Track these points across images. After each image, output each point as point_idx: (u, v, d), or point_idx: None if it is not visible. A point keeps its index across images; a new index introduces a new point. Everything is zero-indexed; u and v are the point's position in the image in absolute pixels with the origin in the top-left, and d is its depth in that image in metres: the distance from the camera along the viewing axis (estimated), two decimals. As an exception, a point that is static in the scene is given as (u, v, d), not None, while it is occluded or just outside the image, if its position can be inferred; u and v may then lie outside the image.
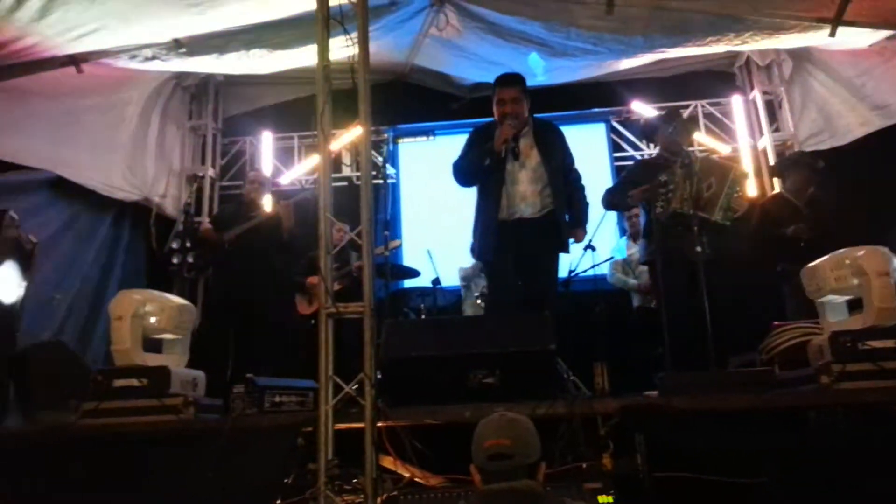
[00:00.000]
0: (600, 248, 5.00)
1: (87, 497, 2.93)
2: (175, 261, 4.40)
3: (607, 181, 6.41)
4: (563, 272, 4.41)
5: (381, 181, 5.81)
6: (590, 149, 6.66)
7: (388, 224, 5.42)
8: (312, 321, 4.94)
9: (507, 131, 3.95)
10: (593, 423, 2.76)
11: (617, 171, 6.63)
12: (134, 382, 3.06)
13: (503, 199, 3.99)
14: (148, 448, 3.00)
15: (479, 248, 4.15)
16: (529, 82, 6.00)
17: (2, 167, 4.54)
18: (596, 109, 6.93)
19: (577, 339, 3.56)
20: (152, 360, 3.25)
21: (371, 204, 3.13)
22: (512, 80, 4.17)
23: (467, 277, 5.60)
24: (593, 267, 5.02)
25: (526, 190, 4.03)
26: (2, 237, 3.56)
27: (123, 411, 3.04)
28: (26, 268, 3.65)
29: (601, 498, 2.48)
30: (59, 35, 4.45)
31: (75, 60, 4.89)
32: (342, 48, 3.22)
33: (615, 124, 6.94)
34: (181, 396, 3.08)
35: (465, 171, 4.14)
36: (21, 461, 2.96)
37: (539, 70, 6.31)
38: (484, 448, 2.11)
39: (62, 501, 2.91)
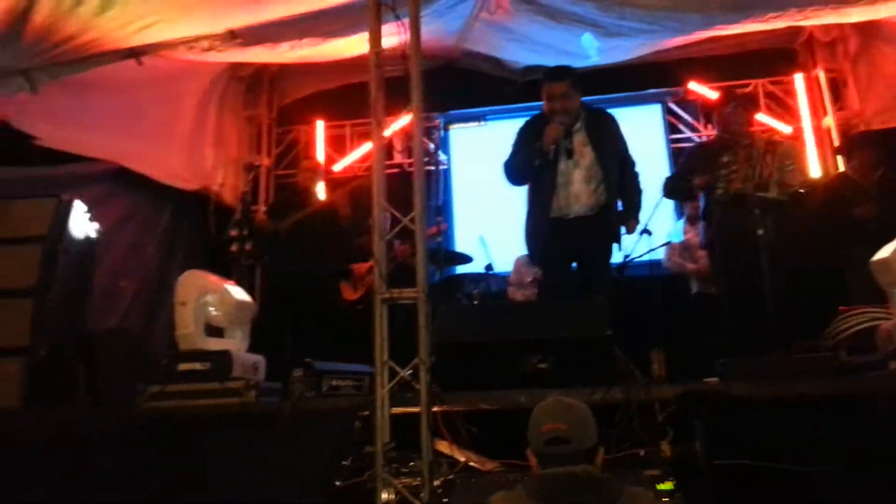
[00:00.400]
0: (657, 231, 4.91)
1: (152, 477, 3.04)
2: (233, 248, 4.51)
3: (663, 164, 6.28)
4: (618, 258, 4.35)
5: (432, 167, 5.83)
6: (645, 131, 6.53)
7: (440, 210, 5.44)
8: (359, 306, 4.99)
9: (554, 131, 3.89)
10: (651, 409, 2.73)
11: (673, 153, 6.48)
12: (197, 366, 3.17)
13: (555, 200, 3.95)
14: (211, 430, 3.09)
15: (532, 249, 4.13)
16: (583, 63, 5.98)
17: (66, 158, 4.69)
18: (651, 90, 6.77)
19: (633, 325, 3.51)
20: (214, 344, 3.35)
21: (424, 190, 3.14)
22: (561, 75, 4.09)
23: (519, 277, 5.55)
24: (650, 252, 4.92)
25: (580, 190, 3.98)
26: (70, 225, 3.71)
27: (187, 394, 3.15)
28: (92, 256, 3.79)
29: (661, 485, 2.45)
30: (120, 29, 4.56)
31: (135, 53, 5.01)
32: (394, 34, 3.23)
33: (671, 105, 6.77)
34: (243, 380, 3.17)
35: (515, 171, 4.11)
36: (90, 443, 3.09)
37: (593, 51, 6.20)
38: (540, 432, 2.11)
39: (128, 482, 3.03)
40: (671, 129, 6.71)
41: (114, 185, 4.89)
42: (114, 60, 5.03)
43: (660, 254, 5.43)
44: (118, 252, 4.71)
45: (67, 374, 3.39)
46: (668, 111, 6.77)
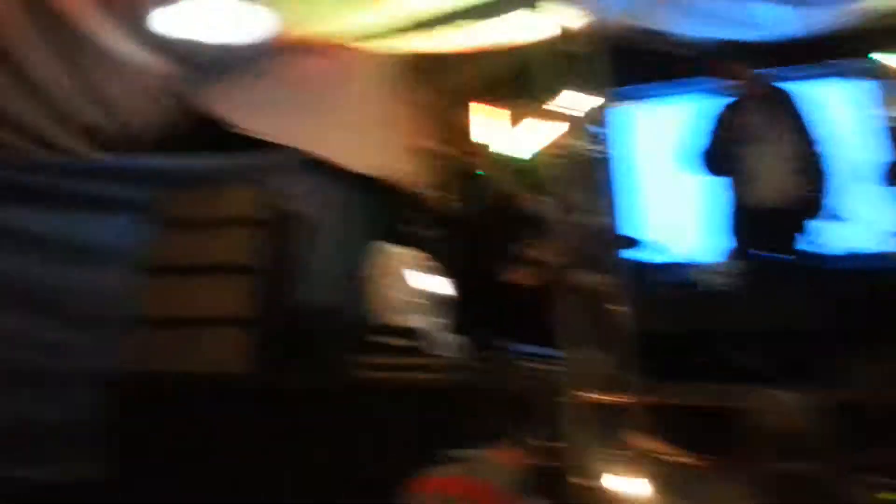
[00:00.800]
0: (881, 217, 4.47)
1: (355, 442, 3.29)
2: (413, 232, 4.71)
3: (871, 143, 5.74)
4: (836, 248, 4.09)
5: (603, 149, 5.69)
6: (843, 107, 5.98)
7: (614, 195, 5.34)
8: (528, 291, 5.00)
9: (740, 117, 3.72)
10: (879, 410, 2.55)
11: (887, 132, 5.88)
12: (397, 342, 3.36)
13: (746, 188, 3.79)
14: (408, 402, 3.29)
15: (726, 239, 4.00)
16: (767, 35, 5.58)
17: (266, 147, 5.04)
18: (848, 61, 6.18)
19: (855, 319, 3.27)
20: (412, 321, 3.54)
21: (601, 175, 3.11)
22: (742, 53, 3.89)
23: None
24: (866, 241, 4.54)
25: (772, 177, 3.80)
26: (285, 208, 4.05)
27: (389, 368, 3.36)
28: (302, 241, 4.14)
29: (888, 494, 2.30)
30: (299, 20, 4.86)
31: (318, 46, 5.32)
32: (564, 15, 3.19)
33: (871, 77, 6.15)
34: (439, 357, 3.32)
35: (703, 160, 4.00)
36: (305, 408, 3.41)
37: (778, 22, 5.78)
38: (765, 428, 2.06)
39: (336, 444, 3.31)
40: (874, 102, 6.07)
41: (310, 173, 5.21)
42: (301, 53, 5.37)
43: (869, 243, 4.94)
44: (317, 236, 5.00)
45: (283, 344, 3.73)
46: (868, 84, 6.15)
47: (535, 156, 6.55)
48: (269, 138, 5.13)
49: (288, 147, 5.09)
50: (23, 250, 4.42)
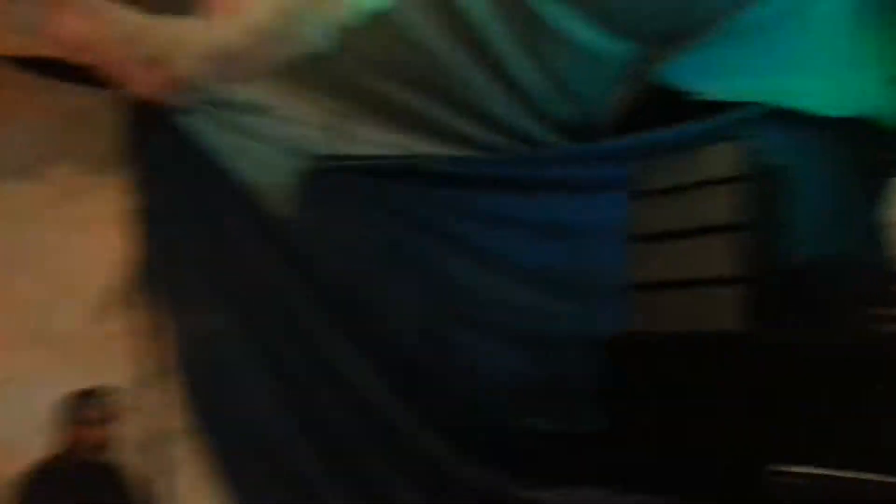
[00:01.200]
0: None
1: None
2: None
3: None
4: None
5: None
6: None
7: None
8: None
9: None
10: None
11: None
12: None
13: None
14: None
15: None
16: None
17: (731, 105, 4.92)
18: None
19: None
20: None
21: None
22: None
23: None
24: None
25: None
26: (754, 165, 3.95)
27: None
28: (787, 193, 3.98)
29: None
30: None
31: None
32: None
33: None
34: None
35: None
36: (807, 366, 3.26)
37: None
38: None
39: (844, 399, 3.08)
40: None
41: (775, 124, 4.94)
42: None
43: None
44: (792, 185, 4.73)
45: (781, 299, 3.62)
46: None
47: None
48: (733, 97, 5.03)
49: (755, 102, 4.92)
50: (519, 234, 5.15)
